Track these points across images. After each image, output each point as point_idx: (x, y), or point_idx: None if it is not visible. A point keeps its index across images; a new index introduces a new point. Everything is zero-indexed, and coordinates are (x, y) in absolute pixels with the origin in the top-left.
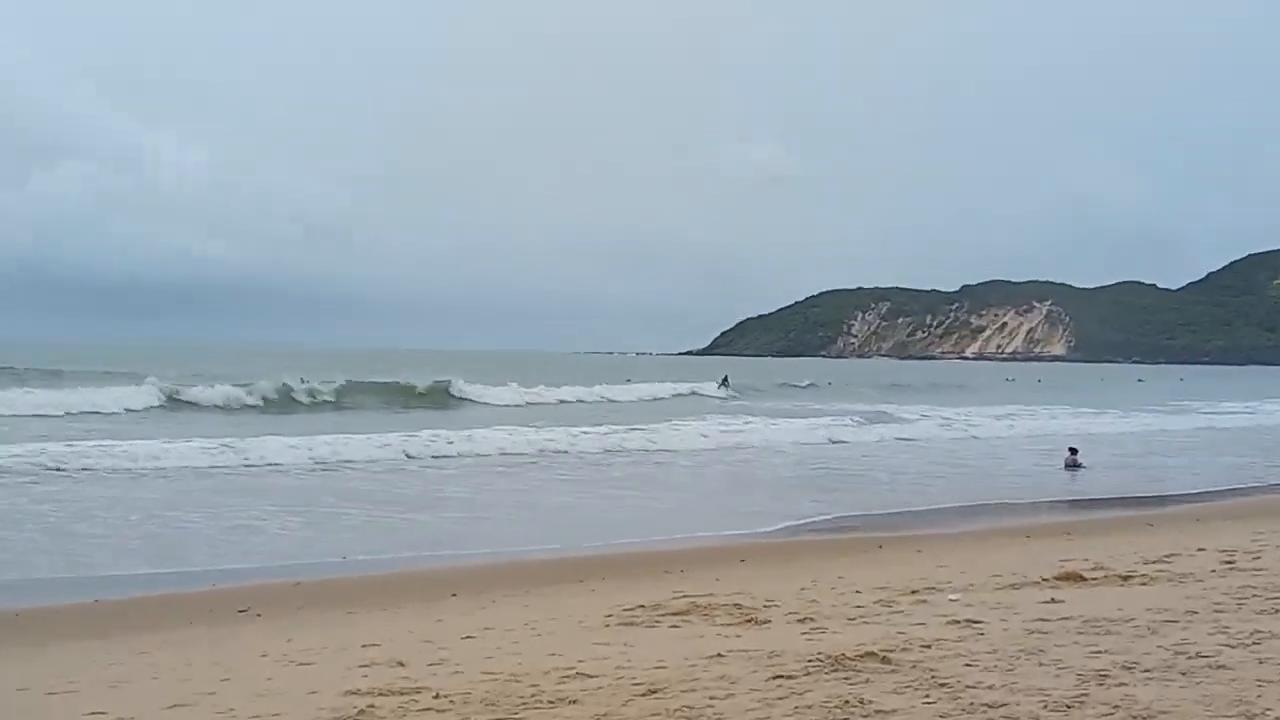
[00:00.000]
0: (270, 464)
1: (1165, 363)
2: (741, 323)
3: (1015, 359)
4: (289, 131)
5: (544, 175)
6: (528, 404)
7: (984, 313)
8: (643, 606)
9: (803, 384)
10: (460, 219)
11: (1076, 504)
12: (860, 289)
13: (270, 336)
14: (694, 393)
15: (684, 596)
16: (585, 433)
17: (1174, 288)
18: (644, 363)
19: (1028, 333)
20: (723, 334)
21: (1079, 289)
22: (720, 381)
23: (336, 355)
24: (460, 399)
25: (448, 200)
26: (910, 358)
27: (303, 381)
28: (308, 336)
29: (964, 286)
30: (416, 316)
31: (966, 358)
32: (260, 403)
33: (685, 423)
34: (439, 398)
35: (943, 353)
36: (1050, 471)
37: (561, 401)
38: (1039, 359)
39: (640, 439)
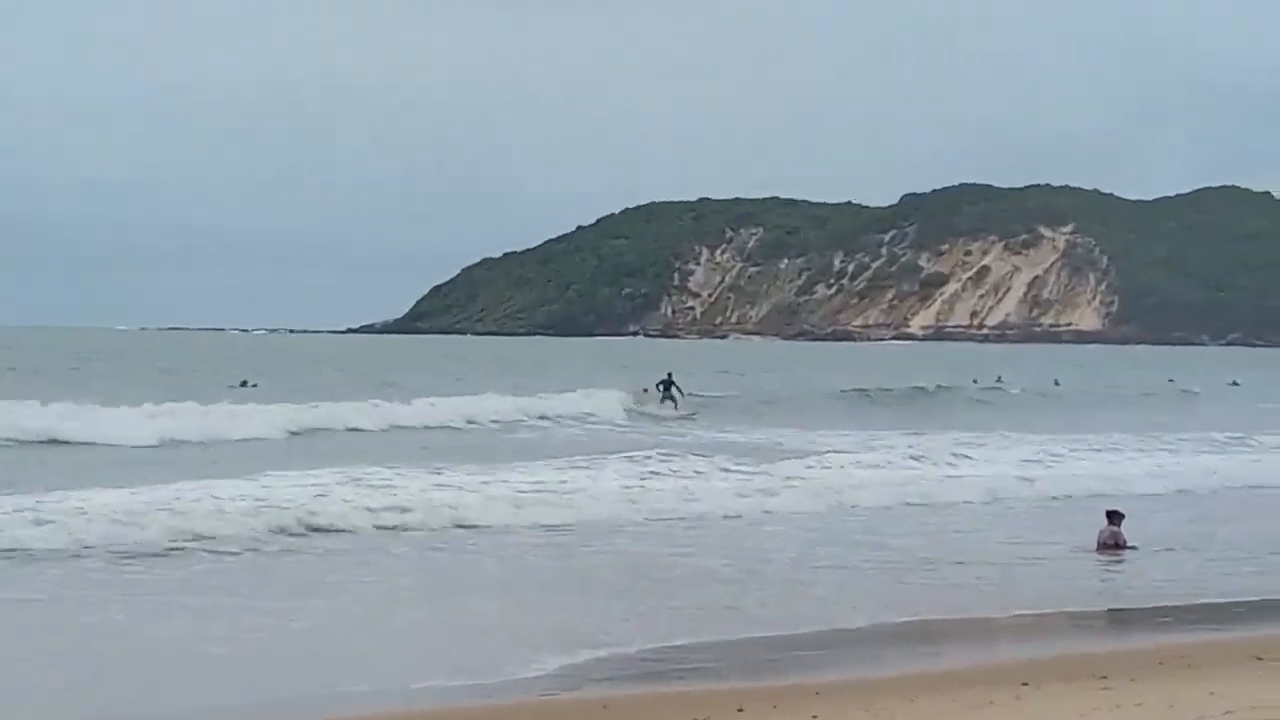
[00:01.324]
0: None
1: None
2: (471, 270)
3: (1006, 338)
4: None
5: None
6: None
7: (945, 248)
8: None
9: (717, 393)
10: None
11: (1119, 619)
12: (706, 203)
13: None
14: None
15: None
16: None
17: None
18: (277, 350)
19: (1029, 287)
20: (436, 292)
21: (1128, 203)
22: (663, 387)
23: None
24: None
25: None
26: (804, 336)
27: None
28: None
29: (906, 198)
30: None
31: (911, 336)
32: None
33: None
34: None
35: (865, 328)
36: (1070, 558)
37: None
38: (1052, 338)
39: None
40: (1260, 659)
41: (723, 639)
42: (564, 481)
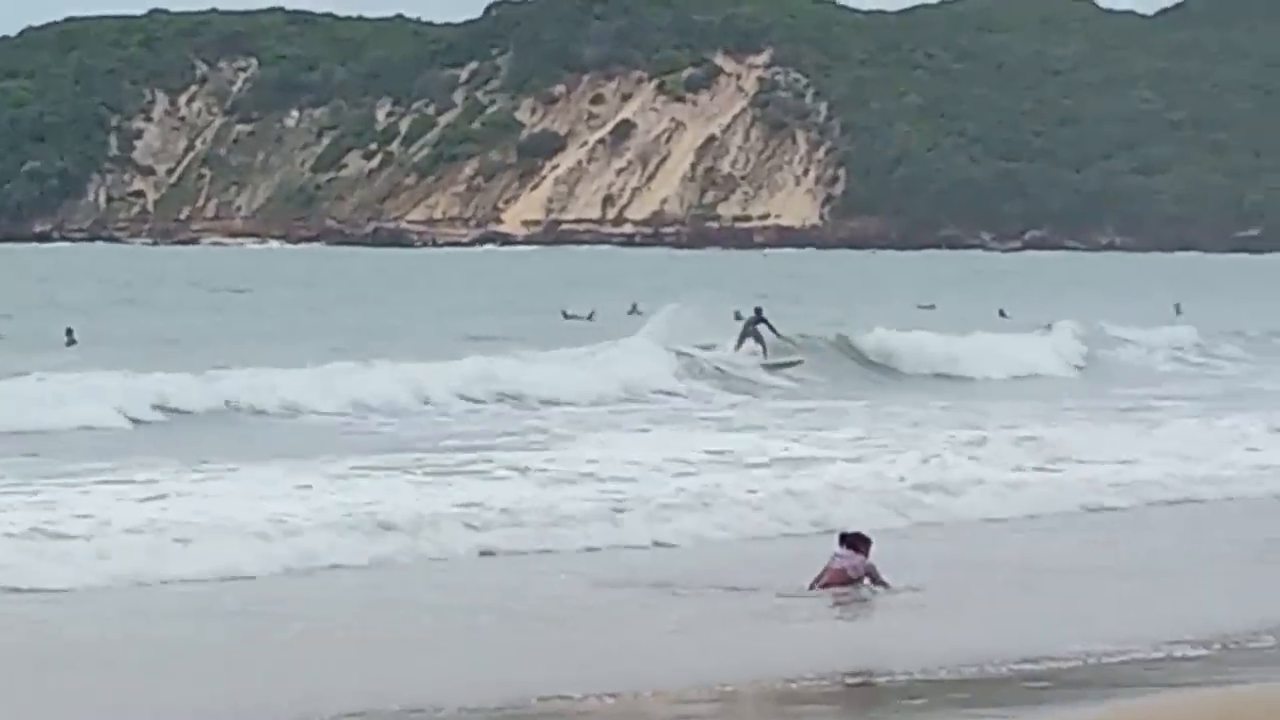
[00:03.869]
0: None
1: (1129, 247)
2: None
3: (663, 239)
4: None
5: None
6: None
7: (560, 92)
8: None
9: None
10: None
11: (848, 698)
12: (160, 19)
13: None
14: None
15: None
16: None
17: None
18: None
19: (700, 157)
20: None
21: (860, 16)
22: (747, 326)
23: None
24: None
25: None
26: (328, 238)
27: None
28: None
29: (495, 10)
30: None
31: (507, 238)
32: None
33: None
34: None
35: (429, 225)
36: (765, 605)
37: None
38: (740, 240)
39: None
40: None
41: None
42: None
